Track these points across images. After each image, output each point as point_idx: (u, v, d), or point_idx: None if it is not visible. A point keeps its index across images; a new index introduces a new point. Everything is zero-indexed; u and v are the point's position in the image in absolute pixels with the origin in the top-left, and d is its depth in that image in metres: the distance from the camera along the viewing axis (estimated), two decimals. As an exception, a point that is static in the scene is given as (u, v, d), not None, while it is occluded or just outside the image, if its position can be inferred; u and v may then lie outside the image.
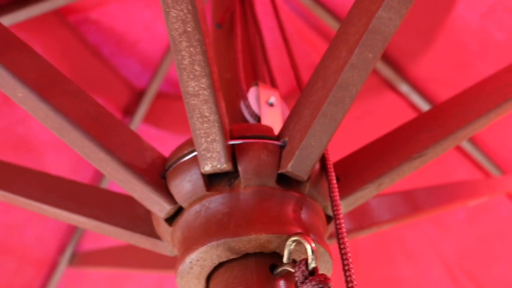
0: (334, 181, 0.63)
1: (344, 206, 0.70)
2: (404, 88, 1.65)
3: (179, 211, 0.66)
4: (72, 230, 1.84)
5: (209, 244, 0.58)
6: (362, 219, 0.86)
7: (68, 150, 1.65)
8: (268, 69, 0.89)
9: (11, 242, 1.64)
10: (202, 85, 0.57)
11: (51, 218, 1.74)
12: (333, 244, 0.65)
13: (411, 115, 1.28)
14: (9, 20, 1.25)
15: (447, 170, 1.75)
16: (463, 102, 0.80)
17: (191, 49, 0.56)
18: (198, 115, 0.59)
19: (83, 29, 1.60)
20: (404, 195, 1.02)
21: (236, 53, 0.87)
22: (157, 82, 1.80)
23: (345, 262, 0.55)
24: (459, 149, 1.70)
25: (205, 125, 0.59)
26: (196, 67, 0.56)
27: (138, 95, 1.80)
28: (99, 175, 1.77)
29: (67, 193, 0.82)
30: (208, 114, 0.59)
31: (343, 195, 0.69)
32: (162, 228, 0.69)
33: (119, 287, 1.93)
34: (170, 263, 1.15)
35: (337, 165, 0.72)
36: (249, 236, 0.57)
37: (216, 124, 0.59)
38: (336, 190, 0.61)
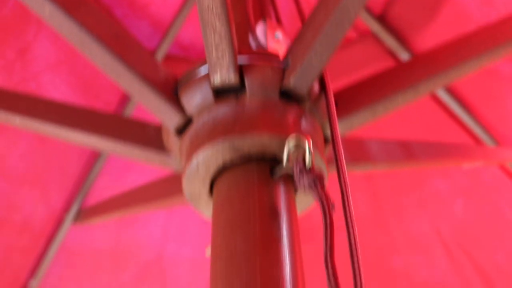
0: (332, 99, 0.69)
1: (340, 128, 0.75)
2: (405, 57, 1.69)
3: (188, 123, 0.72)
4: (77, 189, 1.89)
5: (214, 143, 0.63)
6: (358, 153, 0.92)
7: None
8: (274, 9, 0.94)
9: (16, 200, 1.68)
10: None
11: (57, 177, 1.79)
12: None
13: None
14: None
15: (443, 140, 1.80)
16: (456, 46, 0.86)
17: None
18: (211, 29, 0.65)
19: (97, -12, 1.65)
20: (401, 143, 1.08)
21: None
22: (166, 45, 1.85)
23: (339, 163, 0.61)
24: (456, 120, 1.74)
25: (216, 38, 0.65)
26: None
27: (147, 57, 1.85)
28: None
29: (82, 118, 0.88)
30: (220, 28, 0.64)
31: (339, 117, 0.74)
32: (172, 140, 0.75)
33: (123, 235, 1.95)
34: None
35: (334, 93, 0.78)
36: (252, 136, 0.63)
37: (227, 37, 0.65)
38: (333, 103, 0.67)
